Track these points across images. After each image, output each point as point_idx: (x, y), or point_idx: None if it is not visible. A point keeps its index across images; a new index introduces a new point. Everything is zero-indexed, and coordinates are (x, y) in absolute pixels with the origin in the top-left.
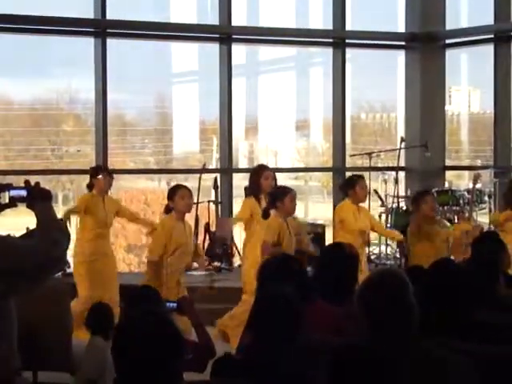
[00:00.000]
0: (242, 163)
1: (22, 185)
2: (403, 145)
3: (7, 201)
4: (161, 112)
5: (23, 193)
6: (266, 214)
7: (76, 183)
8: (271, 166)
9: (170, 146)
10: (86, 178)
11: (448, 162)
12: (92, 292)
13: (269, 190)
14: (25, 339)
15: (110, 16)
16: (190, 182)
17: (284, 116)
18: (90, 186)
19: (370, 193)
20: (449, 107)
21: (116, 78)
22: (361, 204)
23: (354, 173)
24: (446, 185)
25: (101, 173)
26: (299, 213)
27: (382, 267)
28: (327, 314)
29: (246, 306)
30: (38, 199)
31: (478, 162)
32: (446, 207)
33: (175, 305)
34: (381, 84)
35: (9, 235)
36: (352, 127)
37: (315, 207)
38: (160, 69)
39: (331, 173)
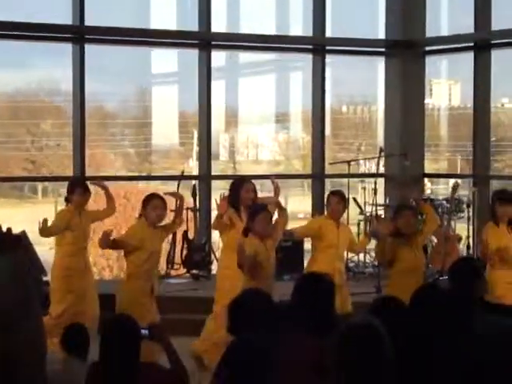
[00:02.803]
0: (223, 156)
1: None
2: (382, 154)
3: None
4: (141, 105)
5: None
6: (245, 233)
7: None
8: (252, 158)
9: (150, 139)
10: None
11: (427, 156)
12: (66, 306)
13: (248, 204)
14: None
15: (88, 22)
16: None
17: (264, 108)
18: (67, 200)
19: (348, 201)
20: (429, 101)
21: (96, 70)
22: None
23: (333, 180)
24: (428, 192)
25: (77, 189)
26: None
27: (358, 320)
28: (304, 350)
29: (217, 321)
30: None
31: (458, 158)
32: (424, 216)
33: (146, 332)
34: (362, 80)
35: None
36: (332, 120)
37: (295, 200)
38: (140, 69)
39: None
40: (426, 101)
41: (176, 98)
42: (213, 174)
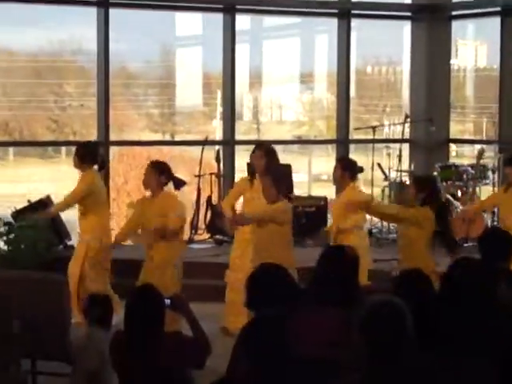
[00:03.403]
0: (247, 116)
1: None
2: (408, 120)
3: None
4: (165, 65)
5: None
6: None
7: (79, 135)
8: (275, 119)
9: (173, 99)
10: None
11: (453, 117)
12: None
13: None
14: (24, 329)
15: None
16: (193, 134)
17: (288, 69)
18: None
19: (373, 166)
20: (455, 61)
21: (119, 30)
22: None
23: (358, 145)
24: (453, 154)
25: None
26: (303, 167)
27: (379, 298)
28: (321, 326)
29: (231, 286)
30: None
31: (484, 120)
32: (449, 182)
33: (168, 301)
34: (387, 42)
35: None
36: (357, 81)
37: (319, 161)
38: (164, 31)
39: (335, 126)
40: (452, 61)
41: (200, 60)
42: (236, 138)
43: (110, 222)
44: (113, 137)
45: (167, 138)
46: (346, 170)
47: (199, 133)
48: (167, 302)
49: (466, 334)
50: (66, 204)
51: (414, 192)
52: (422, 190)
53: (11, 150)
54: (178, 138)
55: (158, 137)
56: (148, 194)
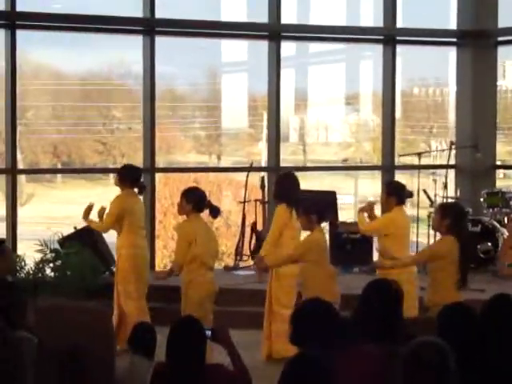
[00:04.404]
0: (293, 137)
1: None
2: (453, 147)
3: None
4: (211, 88)
5: None
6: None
7: (126, 158)
8: (321, 140)
9: (220, 121)
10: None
11: (500, 138)
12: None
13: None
14: (69, 358)
15: (159, 15)
16: (239, 155)
17: (334, 91)
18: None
19: (419, 192)
20: (502, 82)
21: (166, 55)
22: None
23: (404, 172)
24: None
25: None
26: (349, 190)
27: (424, 339)
28: (363, 363)
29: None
30: None
31: None
32: (495, 209)
33: (209, 332)
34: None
35: None
36: (404, 103)
37: (364, 183)
38: (210, 58)
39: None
40: (499, 82)
41: (246, 83)
42: (282, 164)
43: (145, 244)
44: (159, 158)
45: (213, 159)
46: (392, 195)
47: (245, 154)
48: (208, 333)
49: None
50: (102, 229)
51: (439, 218)
52: (446, 217)
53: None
54: (224, 160)
55: (204, 158)
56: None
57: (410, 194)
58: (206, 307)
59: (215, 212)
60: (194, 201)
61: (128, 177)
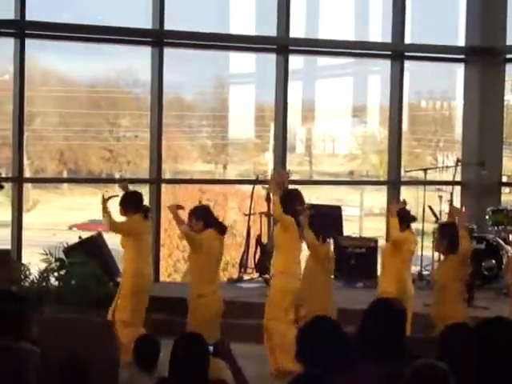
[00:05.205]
0: (299, 149)
1: None
2: (459, 164)
3: None
4: (218, 98)
5: None
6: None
7: (132, 165)
8: (328, 152)
9: (226, 131)
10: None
11: (506, 153)
12: None
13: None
14: (72, 370)
15: (168, 26)
16: (246, 165)
17: (341, 103)
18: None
19: (424, 209)
20: (510, 97)
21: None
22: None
23: (410, 187)
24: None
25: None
26: (354, 202)
27: (424, 361)
28: (365, 380)
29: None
30: None
31: None
32: (500, 227)
33: (211, 348)
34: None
35: None
36: (411, 116)
37: (370, 195)
38: (218, 69)
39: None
40: (507, 97)
41: (253, 94)
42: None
43: (151, 272)
44: (166, 166)
45: (220, 168)
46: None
47: (252, 164)
48: (210, 349)
49: None
50: (114, 227)
51: (439, 238)
52: (444, 237)
53: (65, 177)
54: (230, 169)
55: (210, 167)
56: None
57: (414, 219)
58: (214, 324)
59: (222, 229)
60: (204, 217)
61: (130, 203)
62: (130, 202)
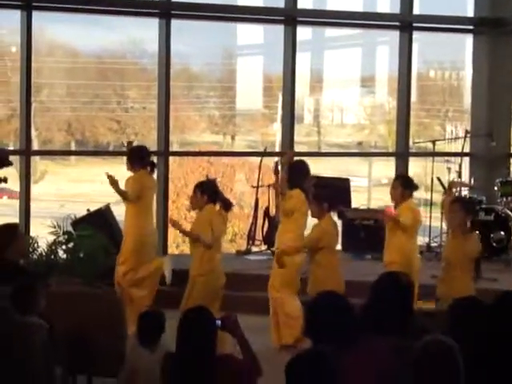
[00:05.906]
0: (307, 119)
1: None
2: (468, 136)
3: None
4: (226, 69)
5: None
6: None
7: (140, 136)
8: (336, 122)
9: (234, 102)
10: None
11: None
12: None
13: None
14: (80, 344)
15: None
16: (254, 135)
17: (349, 73)
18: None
19: (432, 180)
20: None
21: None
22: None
23: (418, 159)
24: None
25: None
26: (363, 173)
27: (432, 338)
28: (374, 355)
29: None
30: None
31: None
32: (509, 198)
33: (219, 322)
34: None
35: None
36: (419, 86)
37: (378, 165)
38: (226, 41)
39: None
40: None
41: (261, 65)
42: (296, 149)
43: (150, 218)
44: (173, 137)
45: (228, 139)
46: (407, 188)
47: (259, 135)
48: (218, 323)
49: None
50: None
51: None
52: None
53: (73, 149)
54: (238, 140)
55: (218, 138)
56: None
57: (416, 187)
58: (213, 297)
59: (227, 205)
60: (209, 192)
61: (136, 157)
62: (136, 157)
